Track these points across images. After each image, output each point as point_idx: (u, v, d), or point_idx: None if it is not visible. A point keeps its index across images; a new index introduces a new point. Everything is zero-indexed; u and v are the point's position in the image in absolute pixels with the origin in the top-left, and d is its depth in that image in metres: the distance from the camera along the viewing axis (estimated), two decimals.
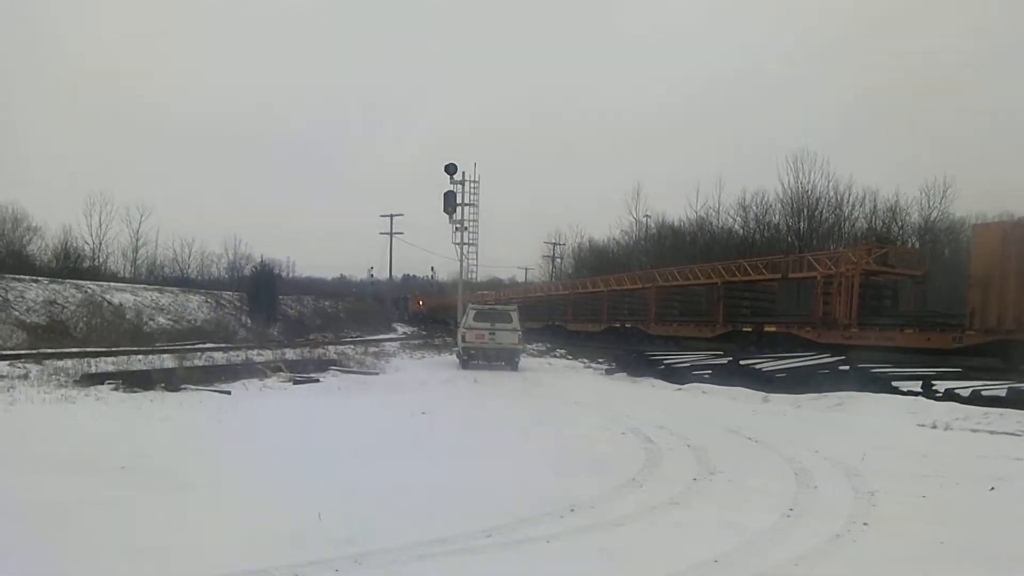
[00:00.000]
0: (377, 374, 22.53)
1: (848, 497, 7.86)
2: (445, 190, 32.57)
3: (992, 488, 8.31)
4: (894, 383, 16.84)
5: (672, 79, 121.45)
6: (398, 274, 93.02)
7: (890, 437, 11.99)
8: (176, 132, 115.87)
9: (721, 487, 8.41)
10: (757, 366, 19.53)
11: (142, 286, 45.97)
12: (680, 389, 19.42)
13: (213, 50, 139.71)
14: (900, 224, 50.65)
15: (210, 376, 17.78)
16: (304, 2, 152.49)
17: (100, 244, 64.55)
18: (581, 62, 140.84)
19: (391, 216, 79.39)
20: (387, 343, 38.92)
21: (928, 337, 21.73)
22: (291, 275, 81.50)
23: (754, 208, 55.41)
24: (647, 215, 65.00)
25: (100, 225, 64.01)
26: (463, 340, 26.27)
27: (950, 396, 15.31)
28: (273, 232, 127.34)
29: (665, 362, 22.68)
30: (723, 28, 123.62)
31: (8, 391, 14.57)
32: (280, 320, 45.94)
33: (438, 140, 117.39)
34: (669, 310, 37.67)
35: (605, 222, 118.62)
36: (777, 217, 54.13)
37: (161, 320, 38.38)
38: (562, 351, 34.88)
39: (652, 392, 19.46)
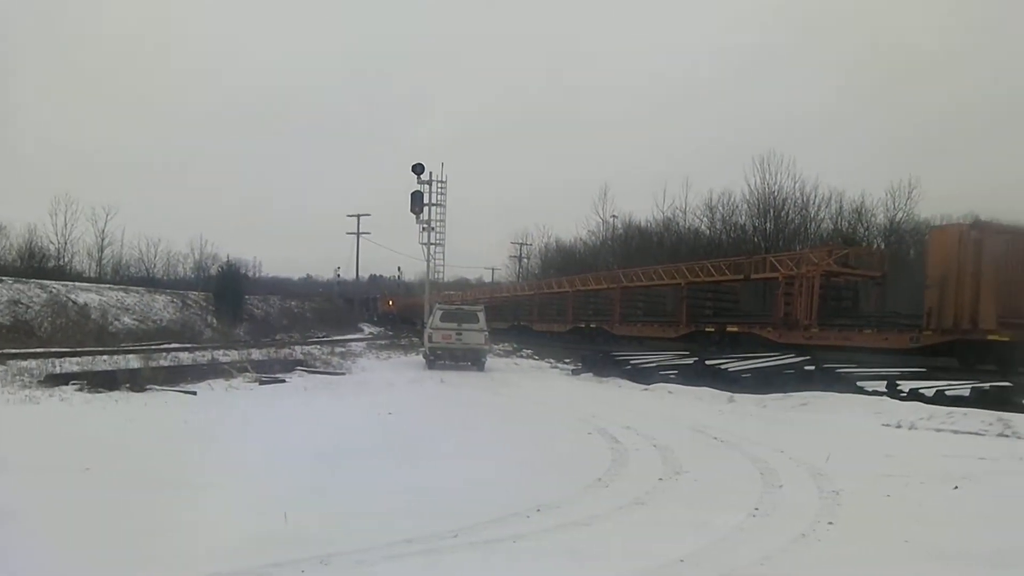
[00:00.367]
0: (343, 374, 22.41)
1: (813, 497, 7.92)
2: (412, 190, 32.54)
3: (956, 487, 8.39)
4: (859, 383, 16.96)
5: (638, 76, 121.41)
6: (365, 274, 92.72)
7: (855, 437, 12.12)
8: (142, 128, 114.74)
9: (687, 487, 8.45)
10: (723, 366, 19.64)
11: (107, 286, 45.44)
12: (646, 389, 19.48)
13: (185, 43, 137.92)
14: (866, 225, 51.01)
15: (176, 376, 17.61)
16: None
17: (65, 243, 63.88)
18: (551, 57, 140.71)
19: (358, 216, 79.20)
20: (353, 343, 38.70)
21: (886, 337, 21.98)
22: (258, 275, 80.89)
23: (721, 209, 55.63)
24: (614, 215, 65.05)
25: (65, 224, 63.37)
26: (430, 340, 26.23)
27: (915, 396, 15.47)
28: (240, 232, 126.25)
29: (631, 362, 22.76)
30: (686, 24, 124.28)
31: None
32: (246, 320, 45.66)
33: (409, 141, 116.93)
34: (634, 310, 37.76)
35: (572, 222, 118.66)
36: (744, 218, 54.35)
37: (126, 320, 37.94)
38: (529, 351, 34.89)
39: (618, 392, 19.53)
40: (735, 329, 28.07)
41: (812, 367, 18.99)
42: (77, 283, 43.91)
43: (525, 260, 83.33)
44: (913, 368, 18.99)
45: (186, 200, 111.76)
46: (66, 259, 63.23)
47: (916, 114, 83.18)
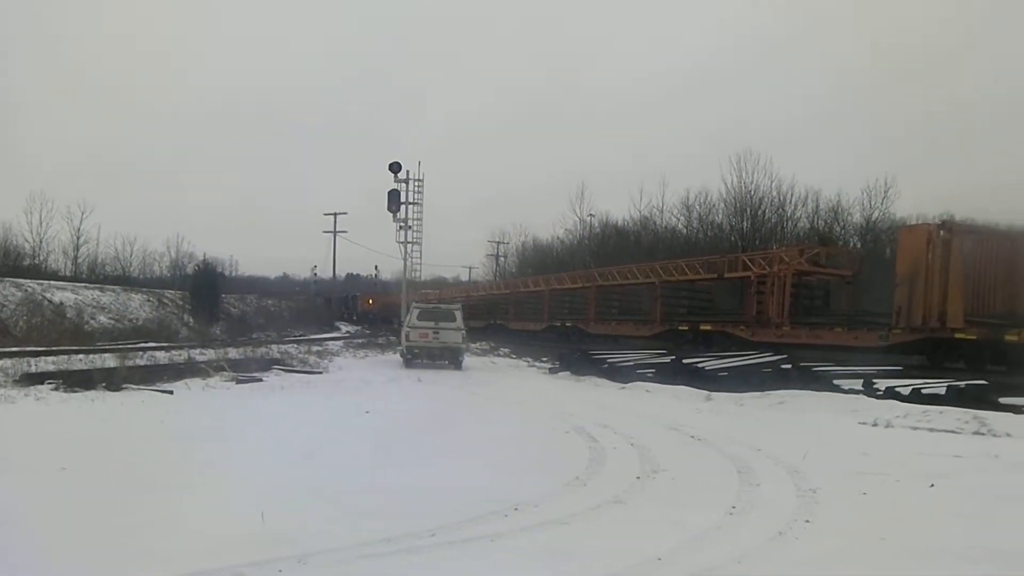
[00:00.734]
0: (320, 373, 22.33)
1: (790, 495, 7.94)
2: (389, 188, 32.49)
3: (932, 485, 8.41)
4: (836, 381, 17.06)
5: (617, 76, 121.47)
6: (342, 273, 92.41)
7: (832, 435, 12.17)
8: (118, 127, 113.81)
9: (665, 485, 8.47)
10: (700, 365, 19.71)
11: (83, 285, 45.25)
12: (624, 388, 19.52)
13: (154, 42, 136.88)
14: (842, 224, 51.22)
15: (152, 375, 17.53)
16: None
17: (41, 242, 63.44)
18: (529, 58, 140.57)
19: (335, 215, 78.82)
20: (330, 342, 38.57)
21: (856, 336, 22.21)
22: (234, 274, 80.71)
23: (698, 208, 55.72)
24: (591, 214, 65.08)
25: (41, 222, 62.88)
26: (407, 339, 26.18)
27: (891, 394, 15.54)
28: (216, 231, 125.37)
29: (609, 361, 22.81)
30: (665, 26, 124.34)
31: None
32: (223, 319, 45.45)
33: (389, 140, 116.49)
34: (609, 309, 37.85)
35: (550, 221, 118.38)
36: (721, 217, 54.42)
37: (102, 319, 37.72)
38: (506, 350, 34.92)
39: (596, 391, 19.55)
40: (708, 327, 28.24)
41: (789, 366, 19.08)
42: (52, 282, 43.60)
43: (502, 259, 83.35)
44: (889, 367, 19.13)
45: (163, 199, 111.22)
46: (41, 257, 63.01)
47: (893, 115, 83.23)
